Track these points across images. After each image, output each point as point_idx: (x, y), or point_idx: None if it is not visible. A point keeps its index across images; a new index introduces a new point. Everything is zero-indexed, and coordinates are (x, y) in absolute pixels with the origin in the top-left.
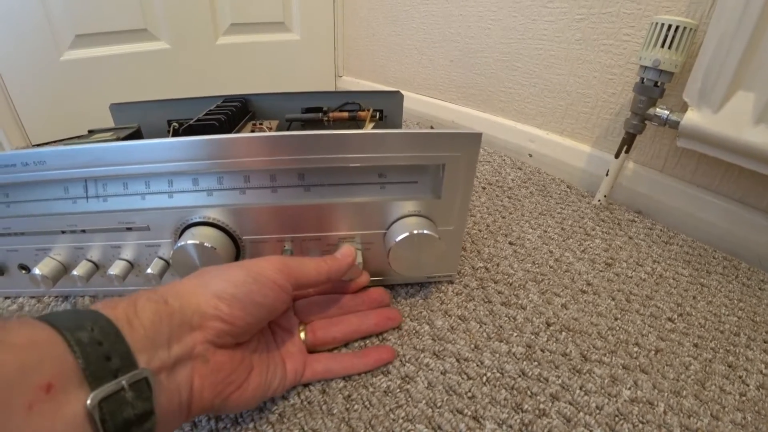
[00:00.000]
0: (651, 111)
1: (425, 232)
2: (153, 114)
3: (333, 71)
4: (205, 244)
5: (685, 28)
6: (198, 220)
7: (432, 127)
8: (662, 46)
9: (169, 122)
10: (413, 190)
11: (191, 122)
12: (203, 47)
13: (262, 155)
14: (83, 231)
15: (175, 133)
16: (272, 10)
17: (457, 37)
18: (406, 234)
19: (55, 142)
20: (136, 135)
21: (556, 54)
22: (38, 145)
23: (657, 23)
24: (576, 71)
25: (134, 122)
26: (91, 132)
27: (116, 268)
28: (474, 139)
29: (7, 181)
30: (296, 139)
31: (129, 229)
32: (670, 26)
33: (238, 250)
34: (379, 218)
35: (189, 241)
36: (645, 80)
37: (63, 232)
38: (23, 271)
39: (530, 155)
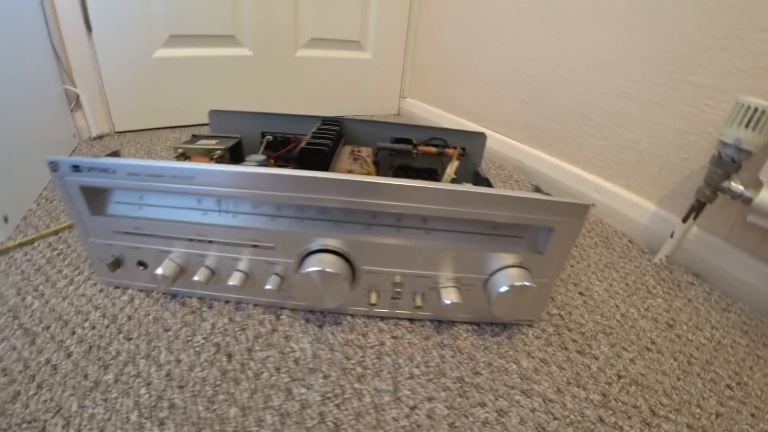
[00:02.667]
0: (725, 184)
1: (526, 284)
2: (248, 124)
3: (398, 92)
4: (332, 271)
5: None
6: (324, 247)
7: (537, 187)
8: (746, 126)
9: (263, 134)
10: (519, 243)
11: (304, 145)
12: (283, 57)
13: (395, 200)
14: (210, 242)
15: (269, 146)
16: (350, 28)
17: (532, 80)
18: (511, 285)
19: (137, 131)
20: (239, 146)
21: (631, 112)
22: (120, 133)
23: (742, 104)
24: (650, 131)
25: (230, 130)
26: (195, 137)
27: (235, 279)
28: (584, 209)
29: (152, 188)
30: (428, 191)
31: (255, 246)
32: (756, 109)
33: (354, 278)
34: (484, 265)
35: (317, 268)
36: (723, 155)
37: (190, 239)
38: (141, 267)
39: (593, 204)
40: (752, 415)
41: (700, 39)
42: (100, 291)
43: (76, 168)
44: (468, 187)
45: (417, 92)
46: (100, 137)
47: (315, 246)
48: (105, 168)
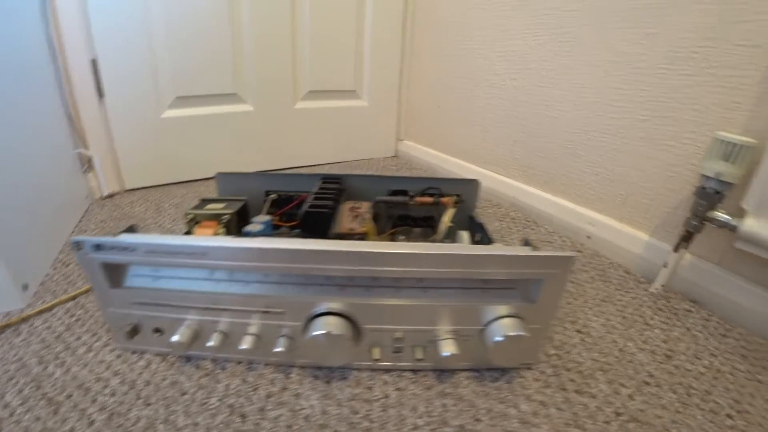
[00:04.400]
0: (711, 214)
1: (521, 333)
2: (253, 184)
3: (395, 135)
4: (336, 333)
5: (746, 146)
6: (328, 310)
7: (527, 240)
8: (724, 159)
9: (267, 192)
10: (511, 294)
11: (308, 208)
12: (283, 111)
13: (393, 266)
14: (223, 309)
15: (273, 204)
16: (346, 79)
17: (523, 121)
18: (506, 335)
19: (146, 188)
20: (245, 208)
21: (619, 148)
22: (130, 191)
23: (719, 139)
24: (638, 165)
25: (235, 190)
26: (204, 200)
27: (246, 343)
28: (568, 260)
29: (168, 264)
30: (427, 257)
31: (266, 312)
32: (733, 144)
33: (358, 336)
34: (480, 316)
35: (323, 331)
36: (706, 188)
37: (204, 308)
38: (157, 334)
39: (588, 237)
40: None
41: (675, 78)
42: (118, 357)
43: (98, 247)
44: (459, 249)
45: (413, 135)
46: (111, 196)
47: (320, 309)
48: (125, 247)
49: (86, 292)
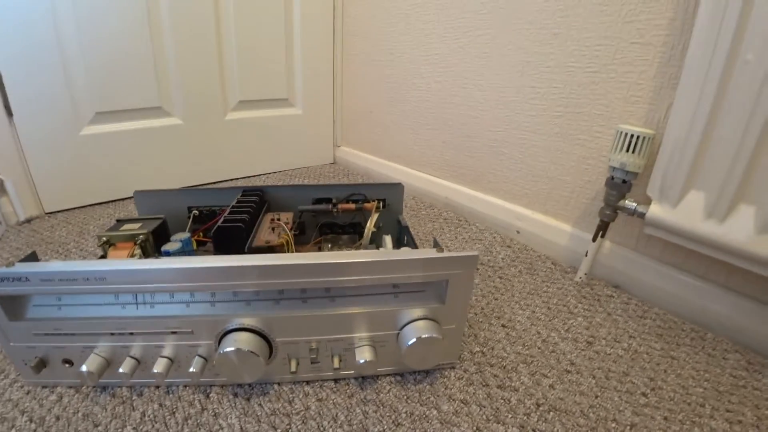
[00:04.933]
0: (621, 203)
1: (433, 335)
2: (174, 201)
3: (332, 142)
4: (246, 349)
5: (644, 137)
6: (237, 326)
7: (436, 242)
8: (627, 150)
9: (189, 209)
10: (421, 297)
11: (219, 223)
12: (213, 122)
13: (296, 277)
14: (131, 333)
15: (196, 220)
16: (277, 87)
17: (449, 122)
18: (416, 338)
19: (68, 210)
20: (163, 226)
21: (537, 144)
22: (50, 214)
23: (621, 132)
24: (556, 160)
25: (156, 208)
26: (119, 221)
27: (159, 366)
28: (472, 260)
29: (66, 291)
30: (326, 267)
31: (174, 333)
32: (633, 135)
33: (270, 351)
34: (393, 321)
35: (232, 348)
36: (614, 178)
37: (112, 334)
38: (66, 365)
39: (518, 232)
40: (665, 418)
41: (582, 75)
42: (27, 393)
43: None
44: (363, 256)
45: (349, 140)
46: (29, 221)
47: (230, 326)
48: (18, 277)
49: None
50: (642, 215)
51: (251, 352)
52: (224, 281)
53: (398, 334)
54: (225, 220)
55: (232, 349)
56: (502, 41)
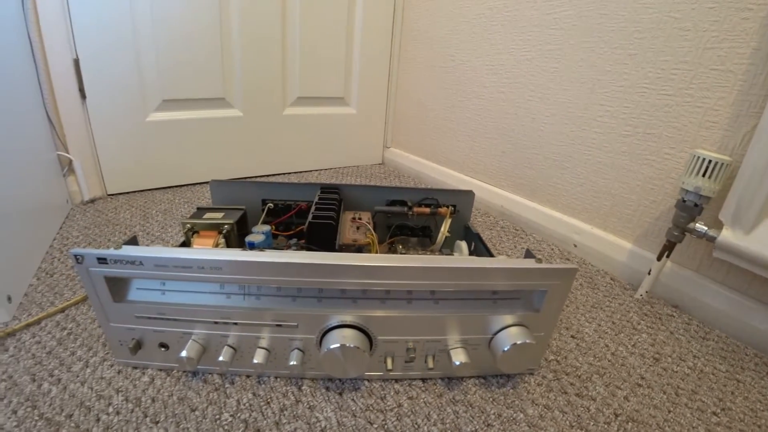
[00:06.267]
0: (691, 225)
1: (527, 341)
2: (249, 192)
3: (382, 143)
4: (353, 345)
5: (721, 163)
6: (342, 323)
7: (529, 251)
8: (702, 175)
9: (264, 201)
10: (517, 305)
11: (311, 219)
12: (271, 116)
13: (406, 279)
14: (235, 323)
15: (270, 213)
16: (335, 86)
17: (510, 133)
18: (513, 344)
19: (129, 193)
20: (243, 218)
21: (603, 161)
22: (112, 195)
23: (697, 156)
24: (621, 178)
25: (230, 198)
26: (200, 209)
27: (259, 357)
28: (571, 272)
29: (178, 278)
30: (439, 270)
31: (279, 325)
32: (710, 161)
33: (371, 348)
34: (488, 326)
35: (340, 344)
36: (686, 200)
37: (216, 322)
38: (162, 349)
39: (575, 245)
40: None
41: (655, 97)
42: (119, 372)
43: (102, 260)
44: (470, 262)
45: (399, 142)
46: (92, 201)
47: (334, 322)
48: (132, 260)
49: (76, 303)
50: (712, 239)
51: (358, 348)
52: (337, 278)
53: (491, 338)
54: (315, 216)
55: (340, 344)
56: (573, 57)
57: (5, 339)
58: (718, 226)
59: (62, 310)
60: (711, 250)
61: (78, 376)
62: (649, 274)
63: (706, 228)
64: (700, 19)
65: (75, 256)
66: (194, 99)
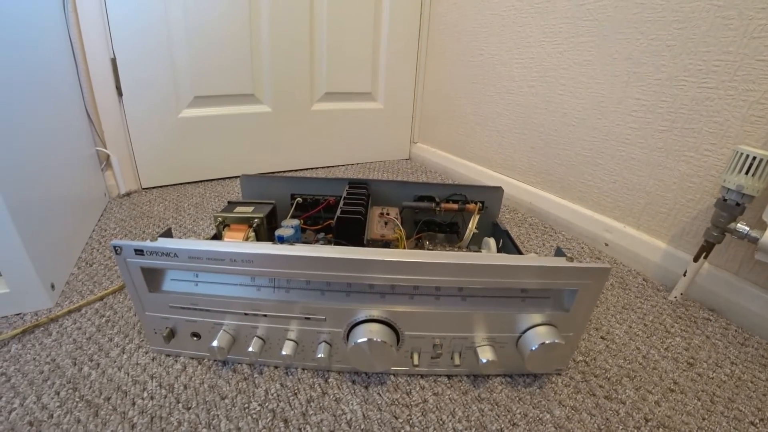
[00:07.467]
0: (731, 225)
1: (556, 341)
2: (278, 187)
3: (409, 138)
4: (381, 339)
5: (766, 160)
6: (370, 317)
7: (560, 249)
8: (745, 172)
9: (293, 196)
10: (546, 303)
11: (339, 214)
12: (299, 112)
13: (434, 275)
14: (265, 315)
15: (298, 207)
16: (362, 81)
17: (541, 128)
18: (541, 344)
19: (162, 187)
20: (273, 212)
21: (637, 157)
22: (146, 189)
23: (740, 153)
24: (656, 175)
25: (260, 192)
26: (231, 203)
27: (287, 348)
28: (604, 272)
29: (211, 270)
30: (468, 267)
31: (308, 318)
32: (754, 157)
33: (398, 343)
34: (514, 324)
35: (367, 338)
36: (727, 199)
37: (246, 314)
38: (194, 338)
39: (606, 244)
40: None
41: (695, 90)
42: (153, 359)
43: (139, 252)
44: (501, 259)
45: (427, 138)
46: (128, 194)
47: (362, 316)
48: (167, 252)
49: (113, 292)
50: (755, 240)
51: (385, 342)
52: (369, 273)
53: (519, 337)
54: (344, 210)
55: (368, 339)
56: (607, 50)
57: (49, 324)
58: (761, 227)
59: (101, 299)
60: (752, 252)
61: (115, 362)
62: (684, 275)
63: (748, 228)
64: (746, 6)
65: (114, 247)
66: (225, 95)
